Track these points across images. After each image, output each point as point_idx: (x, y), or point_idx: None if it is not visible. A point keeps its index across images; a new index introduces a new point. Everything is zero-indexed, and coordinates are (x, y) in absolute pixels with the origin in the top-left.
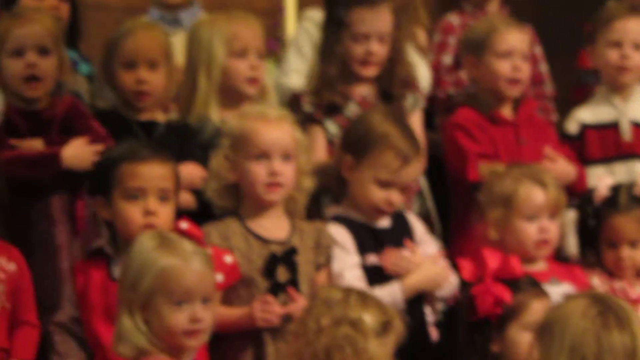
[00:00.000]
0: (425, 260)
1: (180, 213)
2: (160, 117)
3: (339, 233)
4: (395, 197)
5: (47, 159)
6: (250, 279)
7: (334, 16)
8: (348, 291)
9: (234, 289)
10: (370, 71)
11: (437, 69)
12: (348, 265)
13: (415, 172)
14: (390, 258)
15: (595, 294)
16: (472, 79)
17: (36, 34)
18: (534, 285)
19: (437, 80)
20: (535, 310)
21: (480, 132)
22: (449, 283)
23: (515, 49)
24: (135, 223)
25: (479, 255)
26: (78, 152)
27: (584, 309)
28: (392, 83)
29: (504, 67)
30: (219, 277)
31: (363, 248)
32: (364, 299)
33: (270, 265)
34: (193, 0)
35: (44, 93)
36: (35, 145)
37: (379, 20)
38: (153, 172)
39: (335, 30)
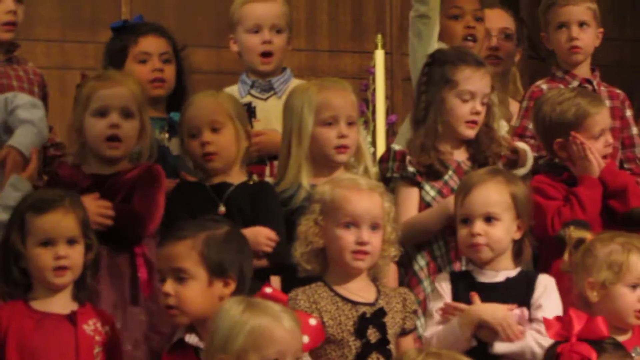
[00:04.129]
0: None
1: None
2: (234, 179)
3: (439, 280)
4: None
5: None
6: (341, 341)
7: (438, 75)
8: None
9: (325, 352)
10: (473, 132)
11: (522, 134)
12: (437, 307)
13: None
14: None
15: None
16: (559, 158)
17: (121, 96)
18: (618, 347)
19: None
20: None
21: (556, 190)
22: (521, 337)
23: (606, 127)
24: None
25: (566, 316)
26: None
27: None
28: (488, 147)
29: (598, 146)
30: (305, 339)
31: (458, 297)
32: (438, 356)
33: (361, 326)
34: (286, 67)
35: (123, 154)
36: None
37: (484, 81)
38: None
39: (439, 89)
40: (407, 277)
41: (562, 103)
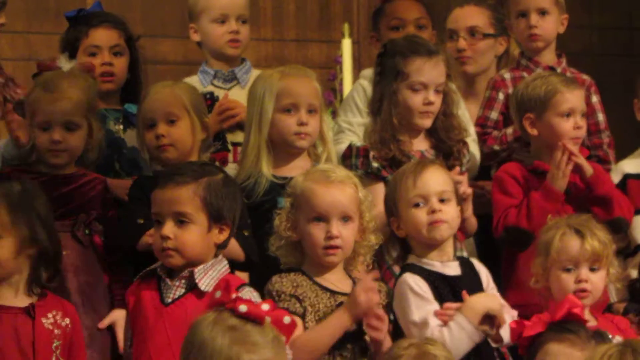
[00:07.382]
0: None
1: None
2: None
3: (417, 282)
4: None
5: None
6: None
7: (389, 67)
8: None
9: None
10: (429, 122)
11: (483, 124)
12: (431, 313)
13: None
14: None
15: (629, 341)
16: (528, 136)
17: (63, 111)
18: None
19: (482, 135)
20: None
21: (517, 185)
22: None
23: (577, 108)
24: None
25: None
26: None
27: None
28: (448, 135)
29: (566, 126)
30: (283, 338)
31: (441, 297)
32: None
33: None
34: (245, 58)
35: (66, 161)
36: None
37: (436, 71)
38: None
39: (390, 81)
40: (381, 271)
41: (536, 80)
